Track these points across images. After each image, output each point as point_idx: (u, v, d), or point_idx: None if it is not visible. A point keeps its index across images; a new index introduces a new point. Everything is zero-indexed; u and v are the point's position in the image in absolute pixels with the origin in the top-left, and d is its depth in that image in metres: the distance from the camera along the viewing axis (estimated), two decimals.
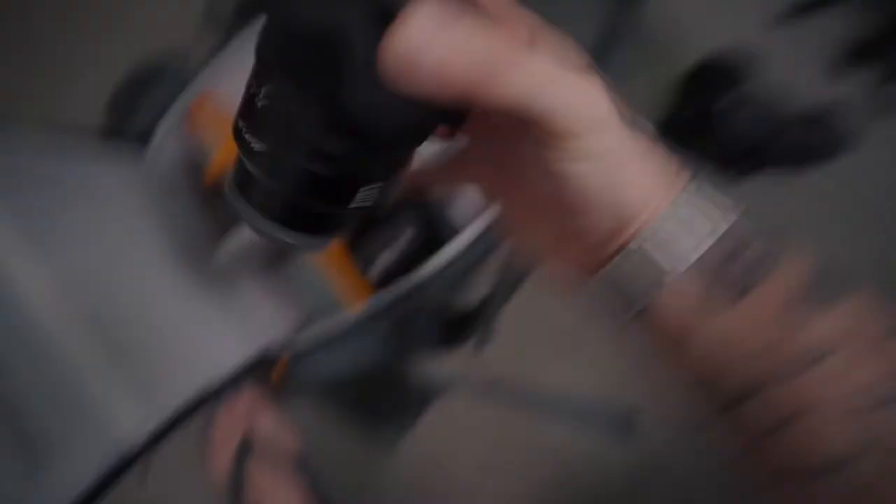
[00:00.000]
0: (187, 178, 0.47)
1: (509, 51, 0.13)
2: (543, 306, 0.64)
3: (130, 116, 0.45)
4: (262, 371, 0.38)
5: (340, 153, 0.14)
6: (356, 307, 0.41)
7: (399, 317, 0.43)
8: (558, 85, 0.14)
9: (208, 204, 0.45)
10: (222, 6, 0.51)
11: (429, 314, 0.44)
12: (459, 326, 0.50)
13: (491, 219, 0.41)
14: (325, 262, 0.44)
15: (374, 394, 0.51)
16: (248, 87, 0.15)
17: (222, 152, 0.45)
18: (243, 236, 0.38)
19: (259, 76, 0.15)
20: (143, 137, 0.43)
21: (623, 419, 0.65)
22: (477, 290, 0.48)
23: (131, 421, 0.26)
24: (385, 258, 0.44)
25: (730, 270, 0.17)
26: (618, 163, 0.16)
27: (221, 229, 0.41)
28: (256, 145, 0.15)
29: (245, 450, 0.34)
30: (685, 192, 0.17)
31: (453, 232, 0.42)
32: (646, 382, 0.25)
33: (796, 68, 0.83)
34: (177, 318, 0.35)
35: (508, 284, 0.48)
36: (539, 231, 0.21)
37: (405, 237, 0.45)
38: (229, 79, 0.47)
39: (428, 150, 0.18)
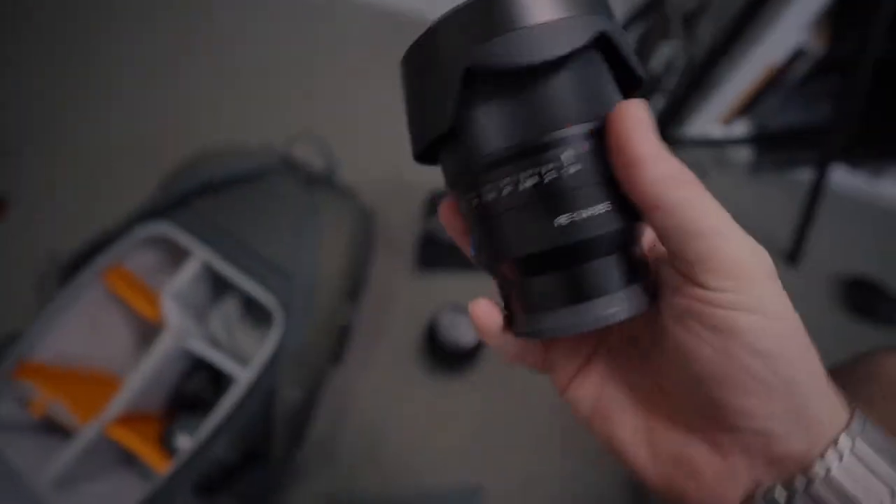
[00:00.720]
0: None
1: (687, 170, 0.16)
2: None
3: None
4: None
5: None
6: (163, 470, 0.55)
7: (201, 473, 0.57)
8: (728, 220, 0.16)
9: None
10: (50, 283, 0.69)
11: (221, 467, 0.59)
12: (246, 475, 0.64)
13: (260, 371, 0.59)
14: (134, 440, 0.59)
15: None
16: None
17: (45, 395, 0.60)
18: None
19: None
20: None
21: (472, 496, 0.77)
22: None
23: None
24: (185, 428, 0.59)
25: None
26: (791, 331, 0.16)
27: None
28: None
29: None
30: (857, 422, 0.16)
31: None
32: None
33: None
34: None
35: (293, 431, 0.63)
36: (655, 427, 0.19)
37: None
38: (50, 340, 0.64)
39: None
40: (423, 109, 0.18)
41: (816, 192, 0.83)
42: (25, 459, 0.58)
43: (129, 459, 0.65)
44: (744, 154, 1.05)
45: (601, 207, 0.17)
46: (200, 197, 0.68)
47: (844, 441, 0.16)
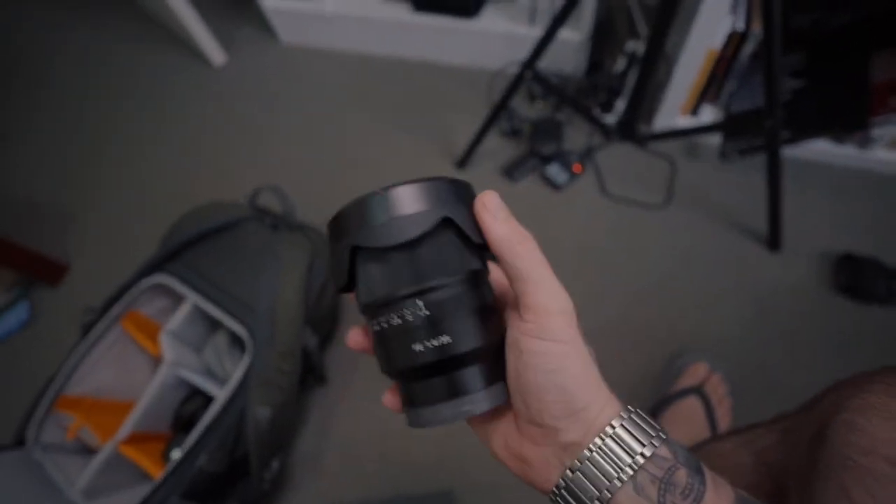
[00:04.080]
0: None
1: (525, 235, 0.24)
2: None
3: None
4: None
5: None
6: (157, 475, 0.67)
7: (189, 481, 0.68)
8: (547, 271, 0.23)
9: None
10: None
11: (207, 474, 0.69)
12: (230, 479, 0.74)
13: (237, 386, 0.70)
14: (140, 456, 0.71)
15: None
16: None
17: (77, 421, 0.75)
18: None
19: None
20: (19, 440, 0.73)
21: (445, 501, 0.82)
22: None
23: None
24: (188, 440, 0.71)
25: (663, 491, 0.21)
26: (571, 353, 0.23)
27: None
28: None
29: None
30: (622, 415, 0.23)
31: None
32: None
33: None
34: None
35: (266, 447, 0.73)
36: (508, 434, 0.26)
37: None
38: (85, 376, 0.79)
39: None
40: (333, 265, 0.26)
41: (773, 175, 0.80)
42: (62, 474, 0.72)
43: (145, 476, 0.78)
44: (714, 143, 1.02)
45: (449, 338, 0.23)
46: (188, 249, 0.81)
47: (607, 429, 0.23)
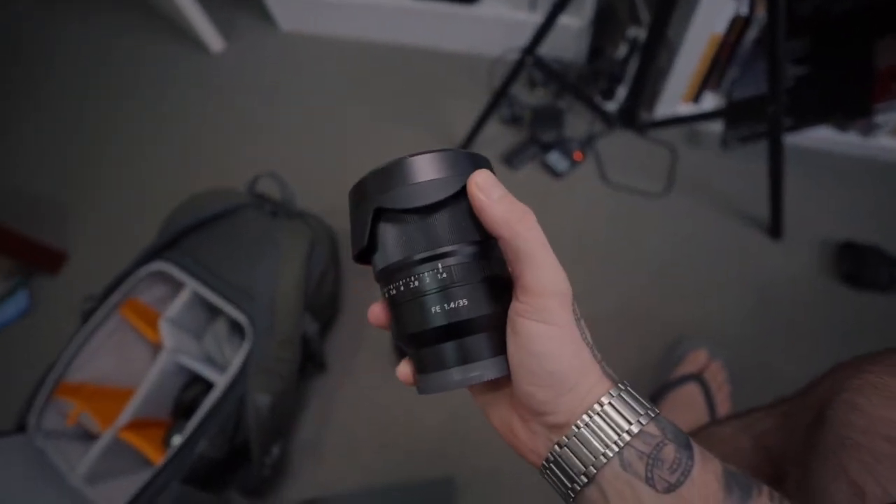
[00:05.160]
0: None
1: (525, 212, 0.23)
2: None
3: None
4: None
5: None
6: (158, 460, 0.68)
7: (189, 466, 0.69)
8: (544, 251, 0.23)
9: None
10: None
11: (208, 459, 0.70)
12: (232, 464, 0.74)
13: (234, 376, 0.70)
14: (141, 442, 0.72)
15: None
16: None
17: (77, 408, 0.75)
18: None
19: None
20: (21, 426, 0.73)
21: (444, 487, 0.83)
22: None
23: None
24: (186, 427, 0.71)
25: (651, 466, 0.21)
26: (561, 336, 0.22)
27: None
28: None
29: None
30: (611, 393, 0.23)
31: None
32: None
33: None
34: None
35: (266, 433, 0.73)
36: (503, 406, 0.26)
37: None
38: (85, 363, 0.80)
39: None
40: (354, 230, 0.26)
41: (775, 163, 0.80)
42: (63, 459, 0.73)
43: (147, 461, 0.78)
44: (716, 130, 1.01)
45: (462, 302, 0.24)
46: (187, 236, 0.81)
47: (595, 406, 0.23)
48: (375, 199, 0.24)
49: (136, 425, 0.75)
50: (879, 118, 0.90)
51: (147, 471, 0.75)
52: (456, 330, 0.24)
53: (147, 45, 1.38)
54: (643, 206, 0.99)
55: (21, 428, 0.74)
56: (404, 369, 0.28)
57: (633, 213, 0.98)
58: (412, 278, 0.24)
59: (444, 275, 0.24)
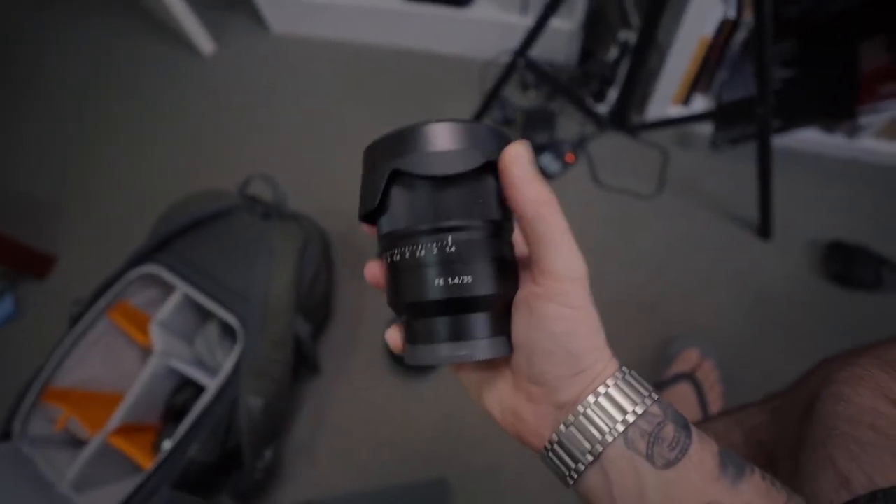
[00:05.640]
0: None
1: (550, 197, 0.23)
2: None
3: None
4: None
5: None
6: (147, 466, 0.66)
7: (180, 471, 0.68)
8: (566, 236, 0.23)
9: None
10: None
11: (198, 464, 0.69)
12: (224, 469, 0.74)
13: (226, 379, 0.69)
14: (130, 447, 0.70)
15: None
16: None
17: (65, 413, 0.74)
18: None
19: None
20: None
21: (438, 488, 0.82)
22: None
23: None
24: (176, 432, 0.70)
25: (652, 444, 0.22)
26: (581, 318, 0.23)
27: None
28: None
29: None
30: (617, 375, 0.24)
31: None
32: None
33: None
34: None
35: (259, 437, 0.73)
36: (505, 391, 0.26)
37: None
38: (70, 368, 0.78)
39: None
40: (365, 189, 0.25)
41: (764, 163, 0.81)
42: (51, 466, 0.71)
43: (136, 467, 0.77)
44: (705, 132, 1.02)
45: (467, 279, 0.23)
46: (178, 239, 0.80)
47: (601, 388, 0.23)
48: (395, 161, 0.23)
49: (126, 430, 0.74)
50: (864, 120, 0.91)
51: (137, 476, 0.74)
52: (455, 306, 0.24)
53: (139, 47, 1.37)
54: (635, 208, 0.99)
55: (6, 435, 0.73)
56: (394, 334, 0.28)
57: (624, 215, 0.99)
58: (419, 247, 0.24)
59: (453, 249, 0.23)
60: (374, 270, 0.27)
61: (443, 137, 0.23)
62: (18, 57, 1.42)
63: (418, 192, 0.24)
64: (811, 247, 0.93)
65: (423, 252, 0.24)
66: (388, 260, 0.25)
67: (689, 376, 0.77)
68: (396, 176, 0.24)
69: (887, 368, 0.31)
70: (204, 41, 1.31)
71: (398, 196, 0.24)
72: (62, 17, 1.48)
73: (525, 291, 0.24)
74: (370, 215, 0.26)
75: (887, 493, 0.26)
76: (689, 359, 0.79)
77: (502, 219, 0.25)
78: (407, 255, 0.24)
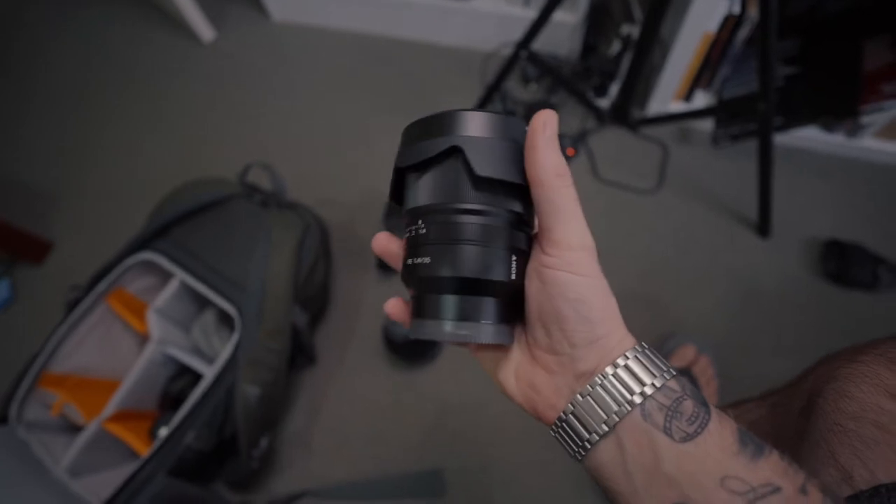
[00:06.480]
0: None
1: (566, 169, 0.24)
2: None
3: None
4: None
5: None
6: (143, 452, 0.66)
7: (177, 458, 0.68)
8: (576, 207, 0.24)
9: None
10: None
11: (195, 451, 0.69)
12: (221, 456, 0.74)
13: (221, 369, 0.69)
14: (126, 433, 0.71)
15: None
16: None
17: (60, 399, 0.73)
18: None
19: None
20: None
21: (433, 479, 0.83)
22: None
23: None
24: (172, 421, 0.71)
25: (670, 418, 0.22)
26: (593, 285, 0.23)
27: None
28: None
29: None
30: (637, 348, 0.24)
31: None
32: None
33: None
34: None
35: (255, 423, 0.73)
36: (522, 364, 0.27)
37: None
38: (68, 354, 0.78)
39: None
40: (410, 150, 0.26)
41: (764, 161, 0.81)
42: (47, 452, 0.71)
43: (133, 454, 0.77)
44: (706, 128, 1.02)
45: (485, 262, 0.24)
46: (177, 226, 0.80)
47: (620, 360, 0.23)
48: (458, 138, 0.24)
49: (122, 416, 0.74)
50: (865, 119, 0.91)
51: (133, 463, 0.74)
52: (467, 286, 0.24)
53: (139, 34, 1.36)
54: (634, 203, 0.99)
55: (2, 420, 0.73)
56: (395, 305, 0.28)
57: (624, 210, 0.99)
58: (443, 224, 0.25)
59: (475, 231, 0.24)
60: (382, 240, 0.28)
61: (509, 128, 0.25)
62: (17, 44, 1.40)
63: (416, 179, 0.25)
64: (808, 245, 0.93)
65: (446, 229, 0.24)
66: (409, 234, 0.26)
67: (686, 372, 0.77)
68: (401, 171, 0.25)
69: (890, 365, 0.31)
70: (204, 28, 1.29)
71: (406, 183, 0.26)
72: (61, 5, 1.46)
73: (535, 263, 0.25)
74: (397, 196, 0.28)
75: (890, 488, 0.26)
76: (685, 355, 0.80)
77: (524, 213, 0.25)
78: (424, 231, 0.25)
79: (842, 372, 0.33)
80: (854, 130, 0.96)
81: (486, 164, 0.24)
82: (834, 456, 0.30)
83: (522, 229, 0.26)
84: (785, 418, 0.40)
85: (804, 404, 0.36)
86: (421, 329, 0.26)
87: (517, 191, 0.25)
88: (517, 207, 0.25)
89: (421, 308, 0.26)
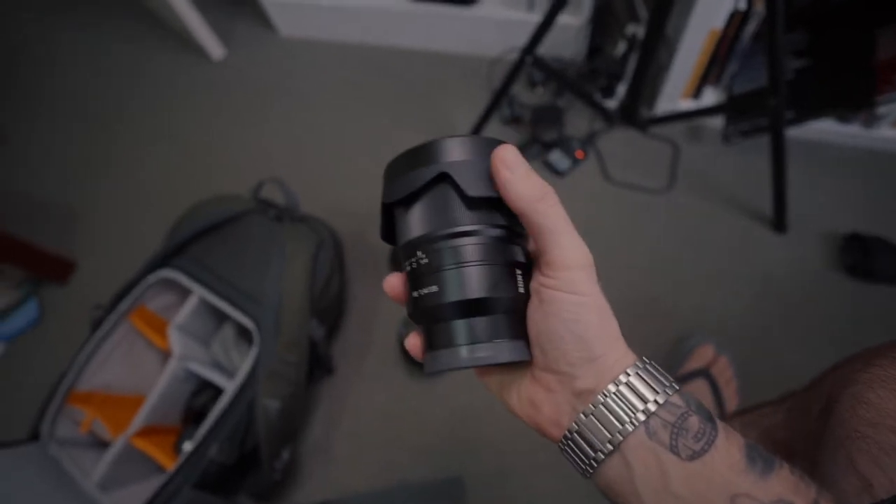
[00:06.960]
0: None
1: (547, 189, 0.24)
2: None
3: None
4: None
5: None
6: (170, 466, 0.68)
7: (201, 471, 0.69)
8: (566, 227, 0.24)
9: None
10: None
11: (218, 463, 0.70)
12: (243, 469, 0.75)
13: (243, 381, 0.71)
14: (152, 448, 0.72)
15: None
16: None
17: (89, 415, 0.76)
18: None
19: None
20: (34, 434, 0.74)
21: (453, 486, 0.83)
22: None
23: None
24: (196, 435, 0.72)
25: (675, 435, 0.22)
26: (590, 304, 0.23)
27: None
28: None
29: None
30: (637, 364, 0.24)
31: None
32: None
33: None
34: None
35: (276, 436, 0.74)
36: (523, 384, 0.27)
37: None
38: (96, 370, 0.80)
39: None
40: (399, 184, 0.26)
41: (777, 156, 0.80)
42: (77, 467, 0.73)
43: (159, 468, 0.79)
44: (716, 125, 1.01)
45: (482, 282, 0.24)
46: (194, 243, 0.82)
47: (621, 377, 0.23)
48: (446, 166, 0.24)
49: (148, 432, 0.75)
50: (881, 109, 0.90)
51: (159, 477, 0.75)
52: (471, 308, 0.24)
53: (150, 52, 1.39)
54: (646, 203, 0.99)
55: (35, 437, 0.75)
56: (414, 341, 0.28)
57: (635, 210, 0.98)
58: (436, 252, 0.25)
59: (479, 250, 0.24)
60: (393, 282, 0.28)
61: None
62: (31, 64, 1.45)
63: (405, 213, 0.26)
64: (827, 239, 0.91)
65: (448, 254, 0.24)
66: (409, 268, 0.26)
67: (705, 373, 0.76)
68: (388, 206, 0.26)
69: None
70: (213, 46, 1.32)
71: (396, 218, 0.26)
72: (71, 24, 1.51)
73: (535, 283, 0.25)
74: (389, 235, 0.28)
75: None
76: (704, 355, 0.79)
77: (517, 226, 0.26)
78: (424, 261, 0.25)
79: (858, 377, 0.33)
80: (870, 121, 0.94)
81: (475, 185, 0.24)
82: (853, 463, 0.29)
83: (518, 242, 0.26)
84: (802, 423, 0.39)
85: (822, 408, 0.36)
86: (435, 361, 0.25)
87: (500, 203, 0.25)
88: (509, 221, 0.25)
89: (433, 340, 0.26)
